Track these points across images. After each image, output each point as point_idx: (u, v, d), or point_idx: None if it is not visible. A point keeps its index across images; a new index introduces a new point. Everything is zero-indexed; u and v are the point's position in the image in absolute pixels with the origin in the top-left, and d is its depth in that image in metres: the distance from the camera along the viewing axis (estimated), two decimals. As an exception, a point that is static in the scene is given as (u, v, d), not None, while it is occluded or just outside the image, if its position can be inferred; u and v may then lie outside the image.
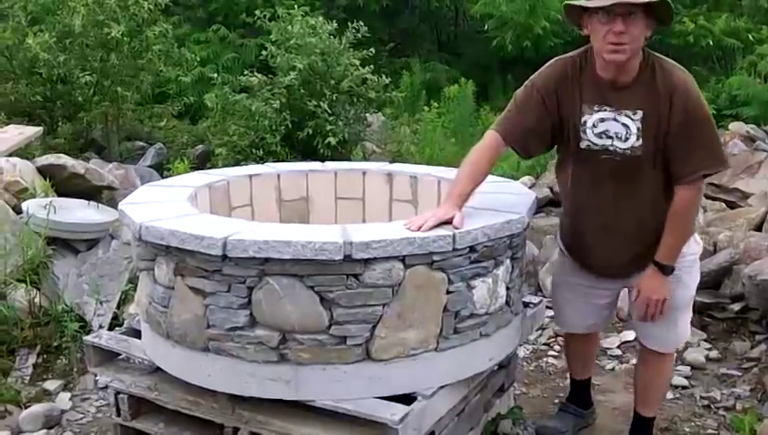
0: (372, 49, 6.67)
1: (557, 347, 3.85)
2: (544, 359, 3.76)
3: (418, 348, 2.30)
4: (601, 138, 2.42)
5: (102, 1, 6.56)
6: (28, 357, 3.50)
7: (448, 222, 2.30)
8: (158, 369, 2.57)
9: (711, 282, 3.87)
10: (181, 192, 2.84)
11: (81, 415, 3.23)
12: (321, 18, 6.71)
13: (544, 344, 3.91)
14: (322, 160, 4.44)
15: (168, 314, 2.40)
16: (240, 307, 2.24)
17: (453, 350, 2.37)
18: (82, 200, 4.53)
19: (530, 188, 4.83)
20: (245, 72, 6.54)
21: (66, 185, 4.91)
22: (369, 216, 3.32)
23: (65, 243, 4.09)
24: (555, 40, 9.78)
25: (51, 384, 3.39)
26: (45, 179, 4.77)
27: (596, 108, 2.42)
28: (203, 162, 6.75)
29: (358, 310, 2.21)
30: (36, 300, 3.63)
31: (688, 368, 3.54)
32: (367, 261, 2.17)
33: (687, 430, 3.07)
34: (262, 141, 6.09)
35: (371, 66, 6.50)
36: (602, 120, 2.41)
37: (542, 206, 5.47)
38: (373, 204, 3.34)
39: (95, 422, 3.18)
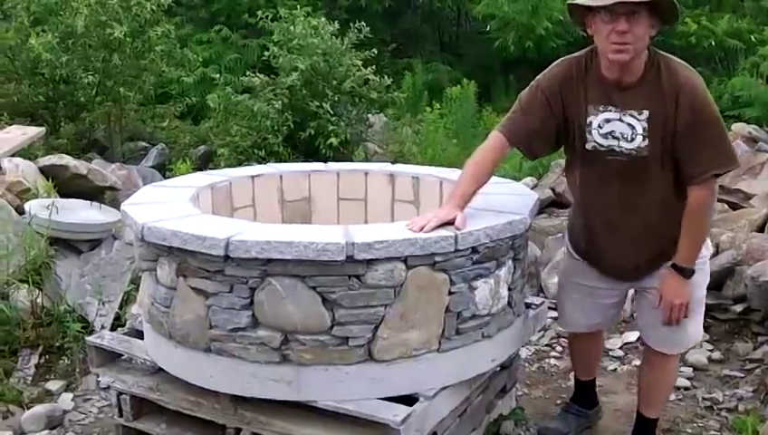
0: (374, 49, 6.68)
1: (559, 348, 3.84)
2: (546, 360, 3.75)
3: (420, 349, 2.30)
4: (607, 138, 2.40)
5: (105, 1, 6.57)
6: (30, 357, 3.50)
7: (450, 223, 2.29)
8: (161, 369, 2.57)
9: (713, 283, 3.84)
10: (183, 193, 2.84)
11: (84, 415, 3.23)
12: (323, 19, 6.72)
13: (546, 345, 3.90)
14: (324, 161, 4.45)
15: (170, 314, 2.40)
16: (242, 308, 2.24)
17: (455, 351, 2.37)
18: (85, 201, 4.54)
19: (532, 188, 4.83)
20: (248, 73, 6.55)
21: (69, 185, 4.92)
22: (371, 216, 3.32)
23: (68, 243, 4.10)
24: (558, 41, 9.78)
25: (53, 385, 3.40)
26: (48, 180, 4.78)
27: (601, 108, 2.40)
28: (205, 163, 6.76)
29: (360, 311, 2.21)
30: (39, 300, 3.63)
31: (690, 369, 3.53)
32: (369, 262, 2.17)
33: (689, 431, 3.07)
34: (264, 142, 6.10)
35: (373, 67, 6.50)
36: (608, 120, 2.39)
37: (544, 207, 5.46)
38: (375, 204, 3.34)
39: (97, 423, 3.18)
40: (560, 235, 4.65)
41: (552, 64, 2.54)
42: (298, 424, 2.31)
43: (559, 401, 3.30)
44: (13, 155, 5.03)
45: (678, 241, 2.42)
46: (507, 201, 2.64)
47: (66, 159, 5.08)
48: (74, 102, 7.13)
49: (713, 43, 9.47)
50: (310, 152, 6.07)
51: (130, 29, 6.66)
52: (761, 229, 4.49)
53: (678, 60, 2.40)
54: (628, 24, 2.22)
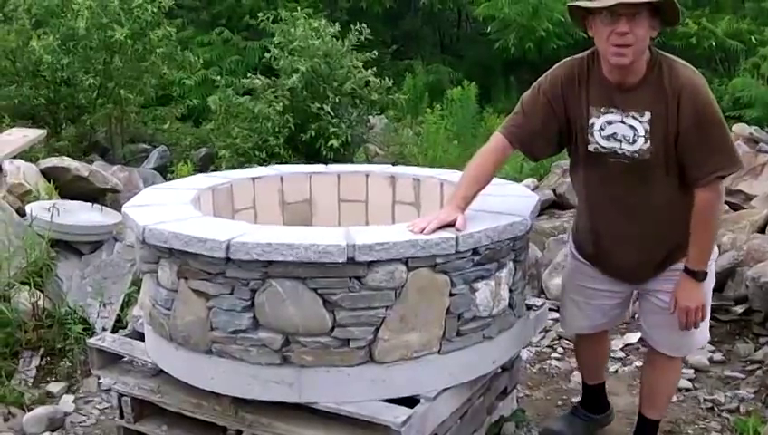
0: (375, 51, 6.69)
1: (560, 349, 3.84)
2: (548, 361, 3.75)
3: (421, 350, 2.30)
4: (609, 140, 2.39)
5: (106, 4, 6.58)
6: (31, 359, 3.50)
7: (451, 224, 2.29)
8: (162, 371, 2.57)
9: (714, 284, 3.85)
10: (184, 195, 2.84)
11: (85, 417, 3.23)
12: (323, 20, 6.74)
13: (548, 347, 3.90)
14: (325, 163, 4.45)
15: (171, 316, 2.40)
16: (243, 310, 2.24)
17: (456, 352, 2.37)
18: (86, 203, 4.54)
19: (533, 190, 4.83)
20: (249, 75, 6.56)
21: (70, 187, 4.93)
22: (372, 218, 3.32)
23: (69, 245, 4.10)
24: (558, 42, 9.80)
25: (54, 387, 3.40)
26: (49, 182, 4.79)
27: (603, 110, 2.39)
28: (206, 164, 6.77)
29: (361, 312, 2.21)
30: (40, 302, 3.63)
31: (692, 370, 3.53)
32: (370, 263, 2.17)
33: (691, 432, 3.07)
34: (265, 144, 6.11)
35: (374, 68, 6.52)
36: (610, 122, 2.38)
37: (544, 208, 5.46)
38: (376, 206, 3.34)
39: (98, 425, 3.18)
40: (561, 236, 4.65)
41: (555, 66, 2.52)
42: (299, 426, 2.31)
43: (560, 403, 3.29)
44: (14, 157, 5.03)
45: (685, 244, 2.40)
46: (508, 203, 2.64)
47: (67, 162, 5.09)
48: (75, 104, 7.15)
49: (713, 44, 9.48)
50: (311, 154, 6.08)
51: (131, 31, 6.67)
52: (762, 230, 4.48)
53: (681, 60, 2.37)
54: (629, 26, 2.20)
